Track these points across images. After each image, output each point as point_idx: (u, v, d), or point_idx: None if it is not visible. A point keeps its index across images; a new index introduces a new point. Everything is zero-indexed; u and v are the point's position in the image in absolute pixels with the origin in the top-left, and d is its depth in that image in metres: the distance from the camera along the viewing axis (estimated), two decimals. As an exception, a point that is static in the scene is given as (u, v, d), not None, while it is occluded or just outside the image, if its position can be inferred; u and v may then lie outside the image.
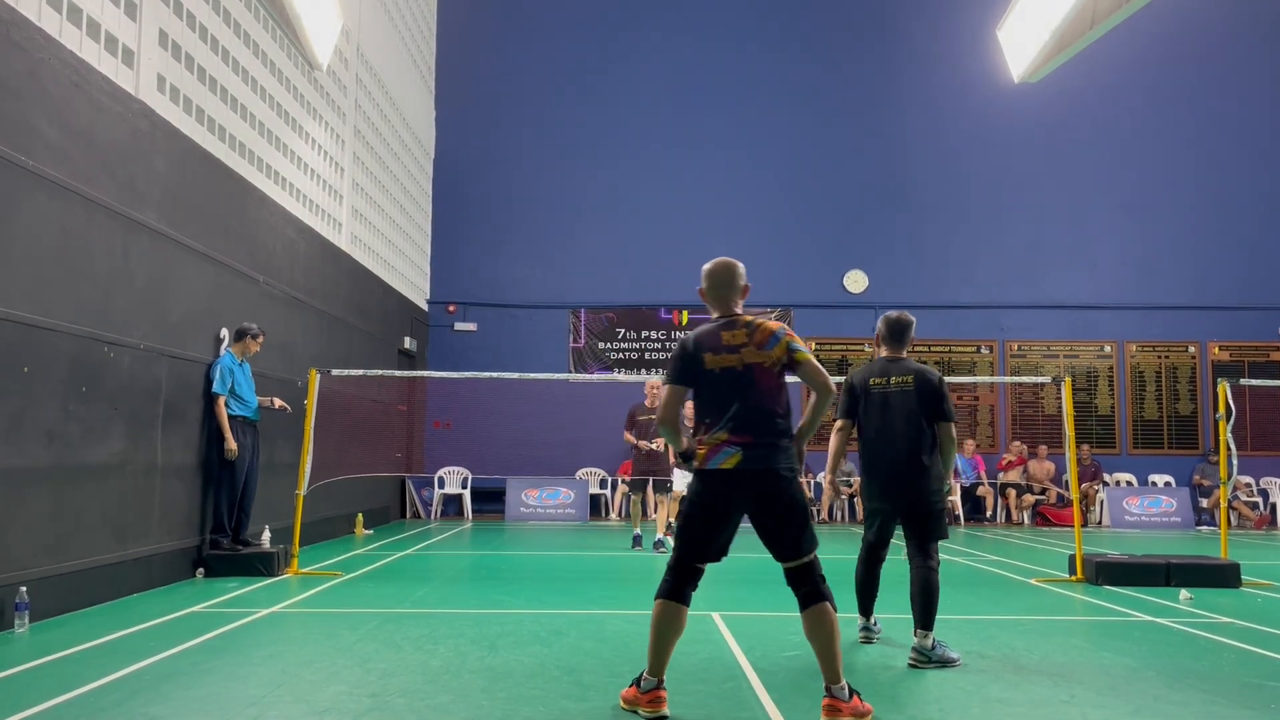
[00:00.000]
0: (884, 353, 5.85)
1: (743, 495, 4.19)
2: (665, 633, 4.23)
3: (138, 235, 7.39)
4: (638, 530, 11.73)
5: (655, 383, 11.33)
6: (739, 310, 4.49)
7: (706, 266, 4.59)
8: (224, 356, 8.69)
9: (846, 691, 4.10)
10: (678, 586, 4.34)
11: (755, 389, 4.21)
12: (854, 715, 4.05)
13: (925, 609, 5.30)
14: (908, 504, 5.56)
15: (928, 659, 5.20)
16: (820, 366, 4.31)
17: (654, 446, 11.23)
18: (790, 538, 4.22)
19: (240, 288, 9.34)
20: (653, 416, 11.06)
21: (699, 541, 4.36)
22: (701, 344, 4.32)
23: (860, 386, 5.82)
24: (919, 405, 5.52)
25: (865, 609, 5.98)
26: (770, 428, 4.19)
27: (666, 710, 4.17)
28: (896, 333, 5.86)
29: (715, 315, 4.51)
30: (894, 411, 5.59)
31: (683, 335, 4.43)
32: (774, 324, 4.39)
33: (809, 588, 4.24)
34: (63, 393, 6.41)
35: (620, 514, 16.60)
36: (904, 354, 5.87)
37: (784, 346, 4.26)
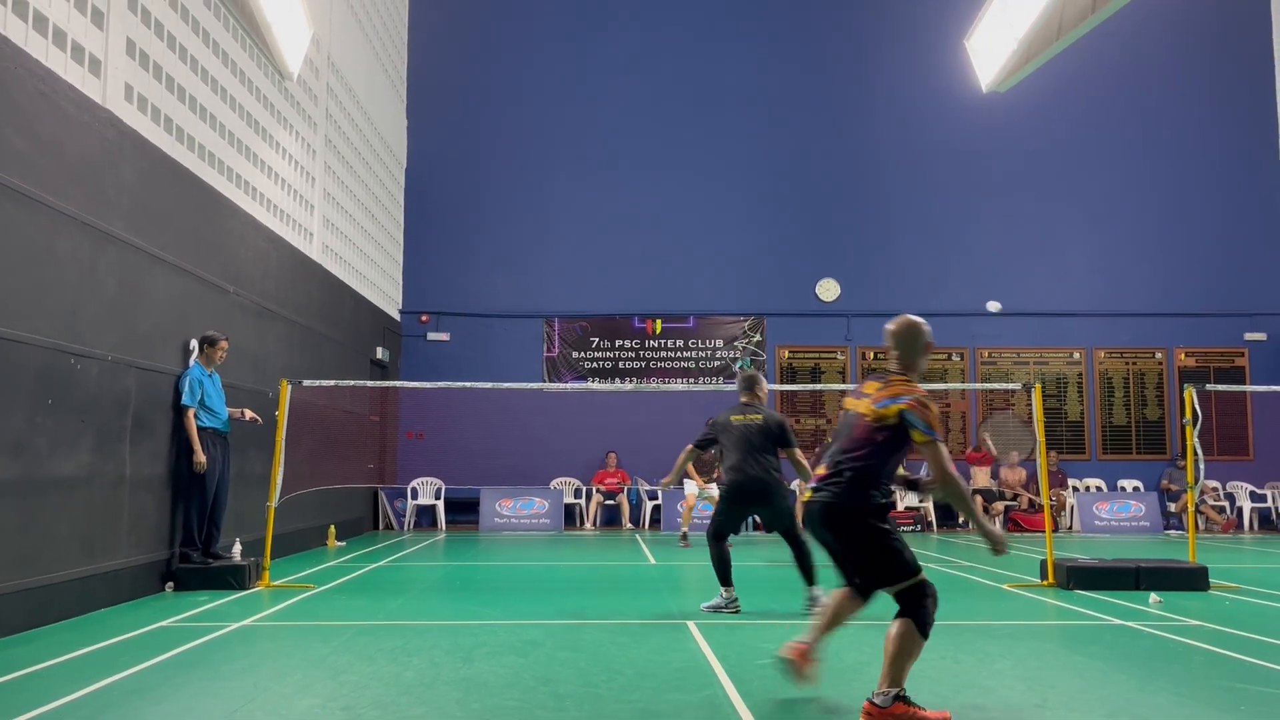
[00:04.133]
0: (743, 399, 7.85)
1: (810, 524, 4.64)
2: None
3: (106, 245, 7.31)
4: (685, 528, 13.41)
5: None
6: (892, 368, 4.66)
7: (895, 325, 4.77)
8: (192, 368, 8.60)
9: (886, 698, 4.14)
10: None
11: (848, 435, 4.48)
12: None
13: (811, 568, 7.21)
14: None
15: (816, 601, 6.86)
16: (936, 455, 4.28)
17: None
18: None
19: (210, 298, 9.26)
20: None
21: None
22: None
23: (721, 423, 7.76)
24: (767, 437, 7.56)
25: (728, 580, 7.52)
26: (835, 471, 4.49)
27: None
28: (747, 383, 7.95)
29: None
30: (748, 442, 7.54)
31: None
32: (907, 389, 4.41)
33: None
34: (29, 405, 6.32)
35: (595, 523, 16.57)
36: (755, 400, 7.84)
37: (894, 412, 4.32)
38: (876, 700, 4.15)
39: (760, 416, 7.60)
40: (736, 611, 7.32)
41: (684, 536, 13.54)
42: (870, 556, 4.39)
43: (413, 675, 5.12)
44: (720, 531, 7.66)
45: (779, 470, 7.57)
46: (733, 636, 6.32)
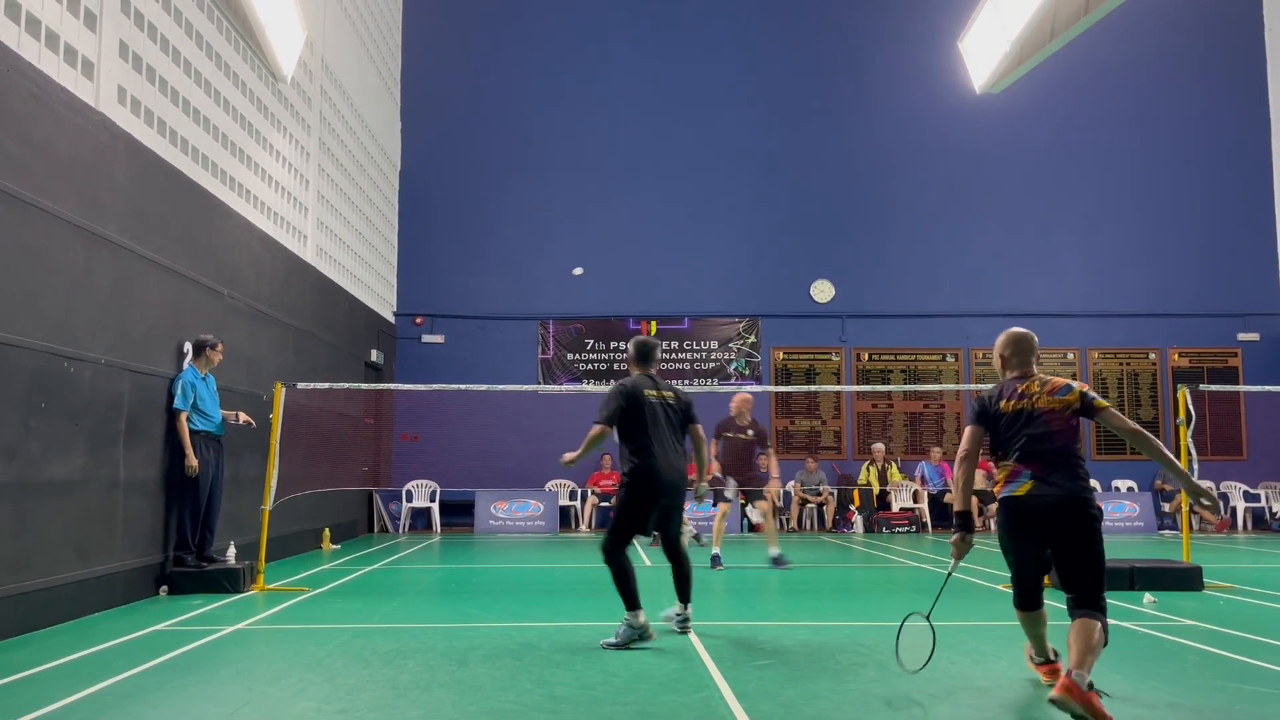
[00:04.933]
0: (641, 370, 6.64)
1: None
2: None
3: (99, 248, 7.30)
4: (718, 548, 10.81)
5: (742, 398, 11.39)
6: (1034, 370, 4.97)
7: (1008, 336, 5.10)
8: (186, 371, 8.58)
9: (1087, 685, 4.12)
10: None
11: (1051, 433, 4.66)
12: (1084, 704, 4.00)
13: (690, 583, 6.55)
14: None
15: (687, 620, 6.43)
16: (1120, 416, 4.71)
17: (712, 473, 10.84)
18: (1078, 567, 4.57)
19: (204, 301, 9.24)
20: (743, 437, 11.14)
21: (1017, 568, 4.87)
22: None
23: (633, 397, 6.42)
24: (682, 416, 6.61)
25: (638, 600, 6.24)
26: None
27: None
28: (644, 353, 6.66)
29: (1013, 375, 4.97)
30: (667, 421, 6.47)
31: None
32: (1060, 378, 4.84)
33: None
34: (22, 408, 6.31)
35: (590, 525, 16.55)
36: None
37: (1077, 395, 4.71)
38: (1079, 681, 4.06)
39: (673, 393, 6.56)
40: (650, 639, 6.08)
41: (779, 559, 10.82)
42: (1099, 557, 4.47)
43: (408, 678, 5.11)
44: (624, 538, 6.32)
45: None
46: (729, 638, 6.32)
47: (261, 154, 11.09)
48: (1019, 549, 4.68)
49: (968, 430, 4.86)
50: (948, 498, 16.67)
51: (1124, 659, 5.63)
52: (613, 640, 5.98)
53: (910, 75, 18.26)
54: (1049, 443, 4.58)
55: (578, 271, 16.11)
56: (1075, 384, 4.70)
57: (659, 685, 4.96)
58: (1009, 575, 4.86)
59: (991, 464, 4.95)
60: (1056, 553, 4.55)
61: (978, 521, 16.69)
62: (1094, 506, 4.48)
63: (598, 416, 6.30)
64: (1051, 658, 4.94)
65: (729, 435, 11.19)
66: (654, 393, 6.38)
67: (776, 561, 10.60)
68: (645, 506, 6.28)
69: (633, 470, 6.26)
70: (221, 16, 9.87)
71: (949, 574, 5.22)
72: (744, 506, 11.41)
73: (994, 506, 4.76)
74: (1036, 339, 5.05)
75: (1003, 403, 4.75)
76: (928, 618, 4.90)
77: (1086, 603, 4.42)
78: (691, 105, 18.32)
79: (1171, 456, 4.64)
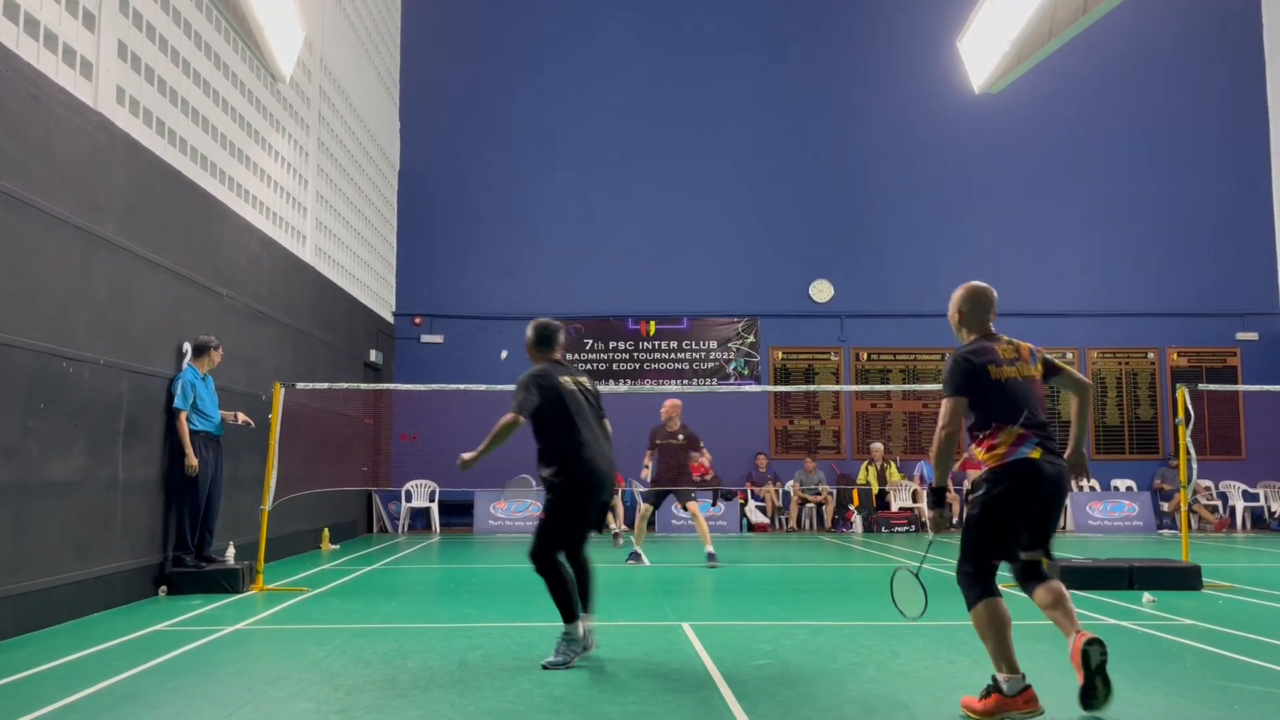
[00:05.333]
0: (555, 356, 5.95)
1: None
2: (1005, 628, 4.37)
3: (97, 249, 7.29)
4: (639, 547, 11.26)
5: (671, 403, 11.63)
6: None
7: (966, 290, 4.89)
8: (186, 371, 8.58)
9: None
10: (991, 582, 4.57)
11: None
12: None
13: (592, 591, 5.75)
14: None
15: (593, 632, 5.62)
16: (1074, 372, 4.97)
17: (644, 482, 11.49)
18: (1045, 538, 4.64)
19: (203, 302, 9.24)
20: (675, 442, 11.43)
21: (1000, 542, 4.60)
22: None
23: (551, 385, 5.68)
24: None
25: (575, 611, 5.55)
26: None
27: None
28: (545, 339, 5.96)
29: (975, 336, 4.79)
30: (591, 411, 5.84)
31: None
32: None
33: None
34: (21, 409, 6.30)
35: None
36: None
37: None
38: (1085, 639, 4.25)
39: (586, 378, 5.95)
40: (592, 648, 5.57)
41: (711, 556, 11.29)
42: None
43: (408, 678, 5.11)
44: (559, 545, 5.58)
45: None
46: (728, 638, 6.32)
47: (260, 154, 11.09)
48: (1021, 516, 4.46)
49: (953, 402, 4.51)
50: (947, 496, 16.65)
51: (1123, 658, 5.63)
52: (555, 659, 5.34)
53: (909, 75, 18.26)
54: (1041, 411, 4.56)
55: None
56: (1036, 348, 4.78)
57: (658, 685, 4.96)
58: (1008, 574, 4.79)
59: (973, 436, 4.57)
60: (1042, 516, 4.53)
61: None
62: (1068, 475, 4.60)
63: (511, 406, 5.58)
64: (1016, 669, 4.31)
65: (660, 442, 11.51)
66: (570, 379, 5.72)
67: (710, 558, 10.92)
68: (584, 507, 5.56)
69: (566, 468, 5.51)
70: (220, 16, 9.86)
71: (930, 542, 5.37)
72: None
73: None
74: (995, 294, 4.89)
75: (993, 369, 4.53)
76: (916, 575, 4.87)
77: (1040, 570, 4.56)
78: (691, 105, 18.32)
79: (1084, 428, 4.76)
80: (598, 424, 5.76)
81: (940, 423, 4.49)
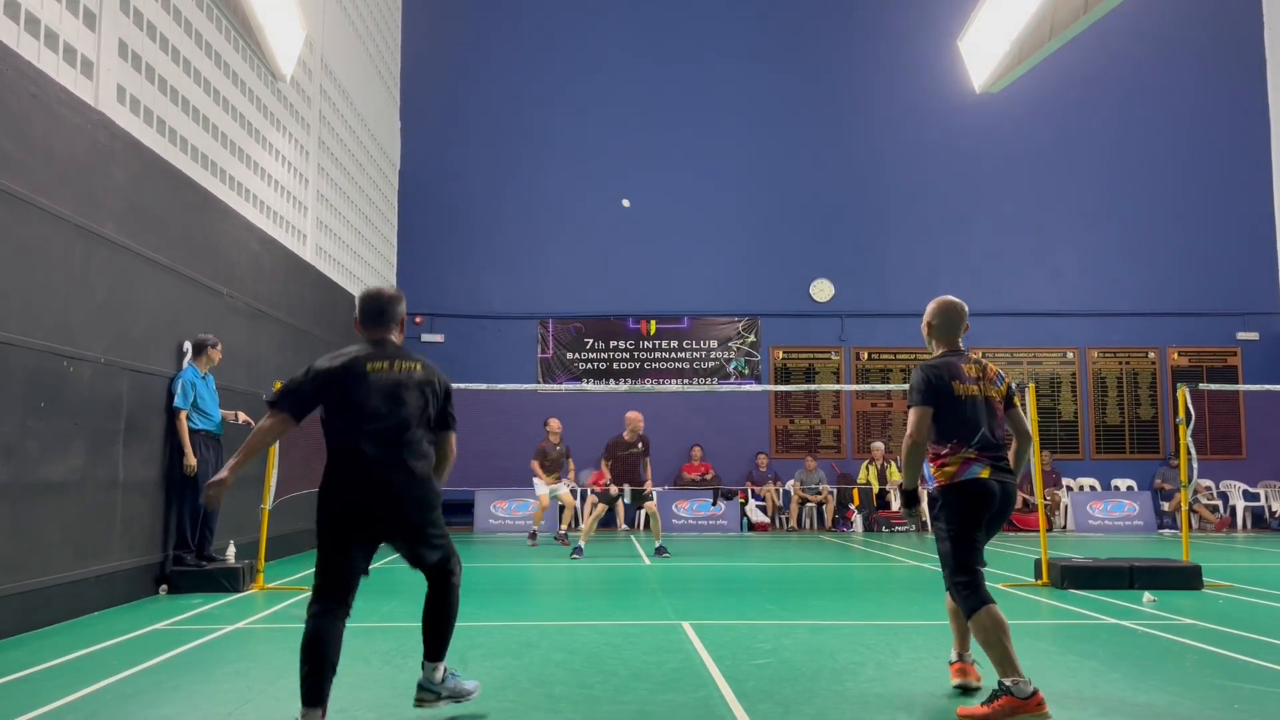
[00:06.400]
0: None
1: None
2: (1005, 633, 4.39)
3: (98, 248, 7.29)
4: (584, 542, 11.90)
5: (636, 415, 12.30)
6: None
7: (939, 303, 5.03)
8: (186, 370, 8.58)
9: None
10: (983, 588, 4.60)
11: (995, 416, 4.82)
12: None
13: (450, 634, 4.59)
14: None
15: (437, 695, 4.43)
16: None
17: (614, 491, 12.22)
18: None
19: (203, 300, 9.24)
20: (634, 451, 12.18)
21: (974, 547, 4.64)
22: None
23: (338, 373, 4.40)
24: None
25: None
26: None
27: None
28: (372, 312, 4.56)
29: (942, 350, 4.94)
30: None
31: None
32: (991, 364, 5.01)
33: None
34: (20, 408, 6.30)
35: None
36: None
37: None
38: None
39: (419, 365, 4.49)
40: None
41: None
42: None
43: (408, 677, 5.11)
44: (325, 588, 4.15)
45: (432, 460, 4.46)
46: (728, 637, 6.32)
47: (261, 153, 11.09)
48: (975, 531, 4.59)
49: (919, 411, 4.66)
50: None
51: (1123, 658, 5.63)
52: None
53: (909, 75, 18.26)
54: (998, 431, 4.73)
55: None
56: (1003, 373, 4.94)
57: (658, 684, 4.96)
58: (1007, 574, 4.96)
59: (934, 447, 4.71)
60: (987, 530, 4.68)
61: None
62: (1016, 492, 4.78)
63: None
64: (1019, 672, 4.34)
65: (621, 454, 12.23)
66: (380, 365, 4.37)
67: (659, 551, 11.81)
68: (350, 535, 4.19)
69: (336, 485, 4.24)
70: (221, 16, 9.86)
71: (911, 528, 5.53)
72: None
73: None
74: (967, 310, 4.98)
75: (956, 384, 4.68)
76: None
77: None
78: (691, 104, 18.32)
79: (1020, 469, 4.86)
80: (406, 427, 4.32)
81: (908, 431, 4.69)
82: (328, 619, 4.11)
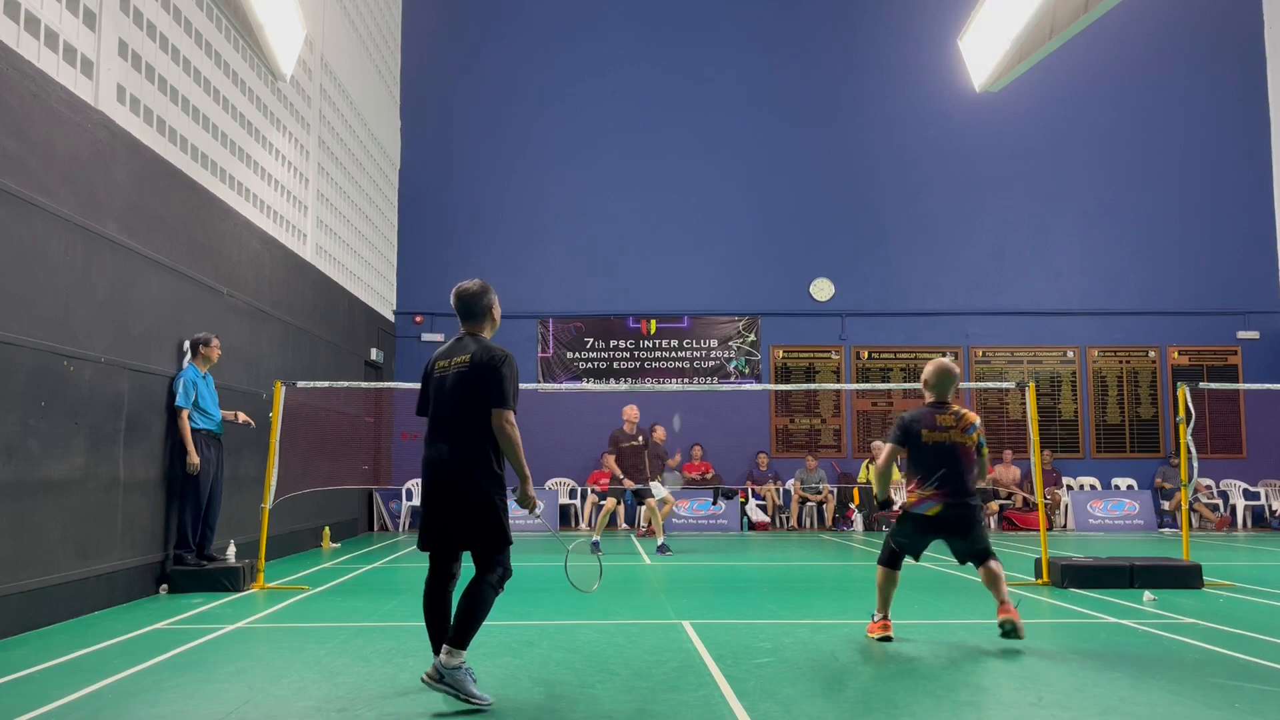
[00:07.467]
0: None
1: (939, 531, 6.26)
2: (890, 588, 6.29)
3: (98, 247, 7.29)
4: (598, 537, 12.09)
5: (633, 409, 12.69)
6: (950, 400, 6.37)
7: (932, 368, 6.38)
8: (187, 369, 8.59)
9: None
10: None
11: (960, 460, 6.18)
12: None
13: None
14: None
15: (440, 678, 4.42)
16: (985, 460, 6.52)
17: (639, 487, 12.51)
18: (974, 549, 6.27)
19: (204, 300, 9.24)
20: (635, 443, 12.50)
21: (907, 550, 6.33)
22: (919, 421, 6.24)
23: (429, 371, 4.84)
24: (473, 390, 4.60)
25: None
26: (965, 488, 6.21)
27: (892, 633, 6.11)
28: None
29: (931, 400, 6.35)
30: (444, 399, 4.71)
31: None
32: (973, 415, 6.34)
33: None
34: (21, 407, 6.30)
35: (591, 523, 16.54)
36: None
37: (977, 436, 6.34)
38: (1011, 601, 6.07)
39: (469, 356, 4.70)
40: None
41: (663, 548, 12.20)
42: (983, 537, 6.26)
43: (408, 677, 5.11)
44: (433, 565, 4.80)
45: (487, 454, 4.63)
46: (728, 636, 6.32)
47: (261, 153, 11.09)
48: (914, 543, 6.27)
49: (889, 448, 6.21)
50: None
51: (1123, 657, 5.63)
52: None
53: (910, 73, 18.25)
54: (962, 473, 6.10)
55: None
56: (978, 423, 6.27)
57: (659, 683, 4.96)
58: (1008, 573, 6.00)
59: (904, 476, 6.29)
60: (953, 546, 6.28)
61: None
62: (978, 511, 6.20)
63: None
64: (887, 615, 6.19)
65: (624, 445, 12.55)
66: (445, 361, 4.85)
67: (661, 549, 12.10)
68: (422, 518, 4.76)
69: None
70: (221, 15, 9.86)
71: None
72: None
73: (993, 504, 5.31)
74: (959, 373, 6.36)
75: (924, 432, 6.12)
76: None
77: (984, 558, 6.13)
78: (690, 104, 18.31)
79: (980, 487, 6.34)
80: (450, 417, 4.68)
81: (878, 460, 6.40)
82: (435, 588, 4.76)
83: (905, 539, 6.24)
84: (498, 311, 4.98)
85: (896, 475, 16.92)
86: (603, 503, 12.75)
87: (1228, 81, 18.53)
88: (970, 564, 6.25)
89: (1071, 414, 17.91)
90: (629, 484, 12.42)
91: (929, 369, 6.38)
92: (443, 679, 4.44)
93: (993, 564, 6.13)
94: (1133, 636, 6.34)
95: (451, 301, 4.97)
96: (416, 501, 16.59)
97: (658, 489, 13.40)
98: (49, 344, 6.63)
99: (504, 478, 4.80)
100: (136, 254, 7.88)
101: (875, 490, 6.58)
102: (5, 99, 6.23)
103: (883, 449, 6.27)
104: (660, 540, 12.26)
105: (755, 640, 6.14)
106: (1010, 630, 5.94)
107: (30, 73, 6.53)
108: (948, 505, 6.03)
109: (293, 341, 11.88)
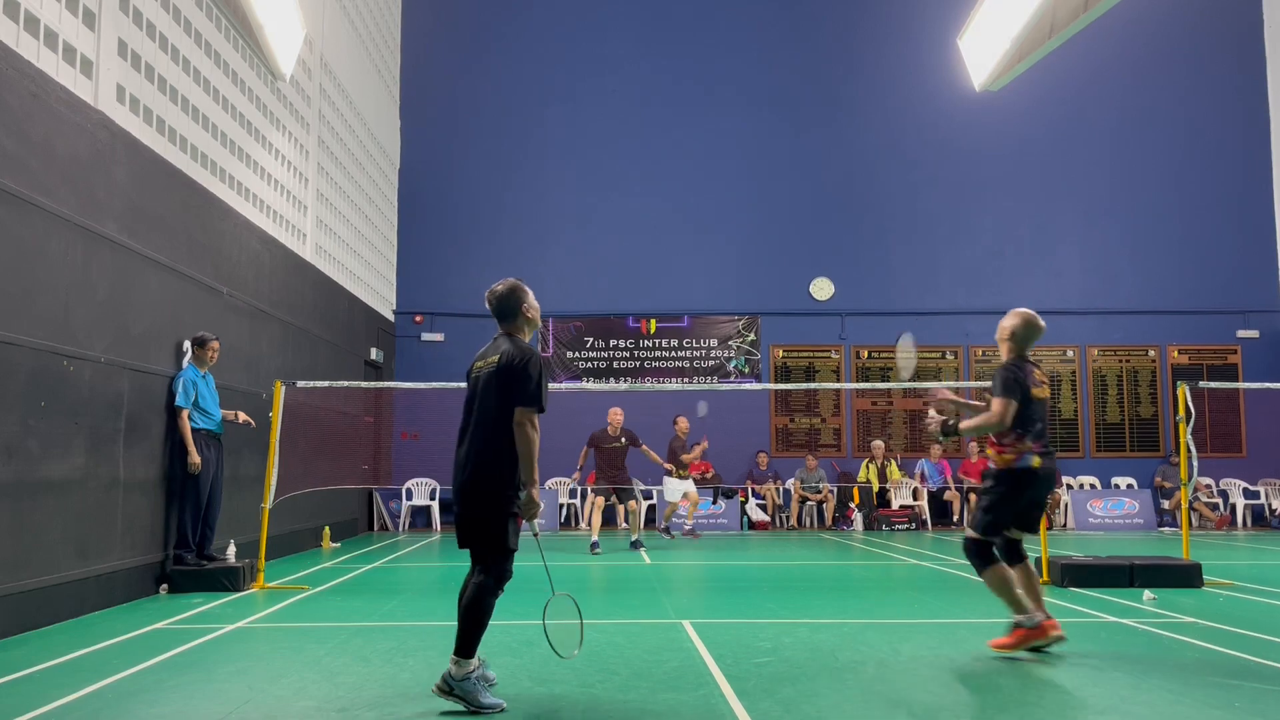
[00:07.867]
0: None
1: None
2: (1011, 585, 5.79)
3: (98, 247, 7.29)
4: (597, 537, 12.49)
5: (617, 412, 12.99)
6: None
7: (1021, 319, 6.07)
8: (187, 369, 8.59)
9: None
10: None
11: None
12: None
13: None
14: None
15: (449, 690, 4.41)
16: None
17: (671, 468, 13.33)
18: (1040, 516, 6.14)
19: (204, 300, 9.24)
20: (616, 445, 12.78)
21: (999, 522, 5.85)
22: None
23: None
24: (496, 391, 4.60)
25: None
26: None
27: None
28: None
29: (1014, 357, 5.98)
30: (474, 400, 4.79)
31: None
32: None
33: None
34: (21, 407, 6.30)
35: (589, 522, 16.53)
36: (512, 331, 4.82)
37: None
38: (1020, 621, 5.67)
39: (498, 357, 4.64)
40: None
41: (637, 543, 12.56)
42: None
43: (409, 676, 5.11)
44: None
45: (502, 455, 4.63)
46: (728, 636, 6.32)
47: (261, 152, 11.09)
48: (1007, 508, 5.77)
49: (1010, 404, 5.69)
50: (947, 495, 16.66)
51: (1123, 656, 5.63)
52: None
53: (910, 73, 18.25)
54: (1047, 429, 5.92)
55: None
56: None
57: (659, 683, 4.96)
58: (969, 541, 5.86)
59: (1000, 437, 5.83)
60: (1036, 507, 5.91)
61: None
62: None
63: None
64: (1043, 608, 5.74)
65: (604, 446, 12.84)
66: (481, 362, 4.81)
67: (634, 545, 12.43)
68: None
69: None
70: (220, 15, 9.86)
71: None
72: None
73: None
74: (1044, 327, 6.12)
75: (1035, 389, 5.78)
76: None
77: (1021, 550, 5.87)
78: (690, 103, 18.30)
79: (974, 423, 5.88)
80: (479, 417, 4.73)
81: (993, 419, 5.72)
82: (467, 584, 4.69)
83: (997, 507, 5.73)
84: (533, 310, 4.86)
85: (895, 475, 17.03)
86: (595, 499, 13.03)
87: (1228, 81, 18.53)
88: (1024, 536, 5.91)
89: (1071, 413, 17.91)
90: (591, 482, 12.99)
91: (1015, 320, 6.00)
92: (452, 691, 4.43)
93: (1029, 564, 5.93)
94: (1132, 636, 6.34)
95: (488, 303, 4.87)
96: (416, 501, 16.61)
97: (678, 485, 13.83)
98: (49, 344, 6.63)
99: (519, 483, 4.70)
100: (136, 254, 7.88)
101: (967, 427, 5.90)
102: (5, 99, 6.23)
103: (1003, 405, 5.66)
104: (635, 536, 12.60)
105: (755, 640, 6.14)
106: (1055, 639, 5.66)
107: (30, 73, 6.53)
108: (1045, 458, 5.75)
109: (293, 341, 11.88)
